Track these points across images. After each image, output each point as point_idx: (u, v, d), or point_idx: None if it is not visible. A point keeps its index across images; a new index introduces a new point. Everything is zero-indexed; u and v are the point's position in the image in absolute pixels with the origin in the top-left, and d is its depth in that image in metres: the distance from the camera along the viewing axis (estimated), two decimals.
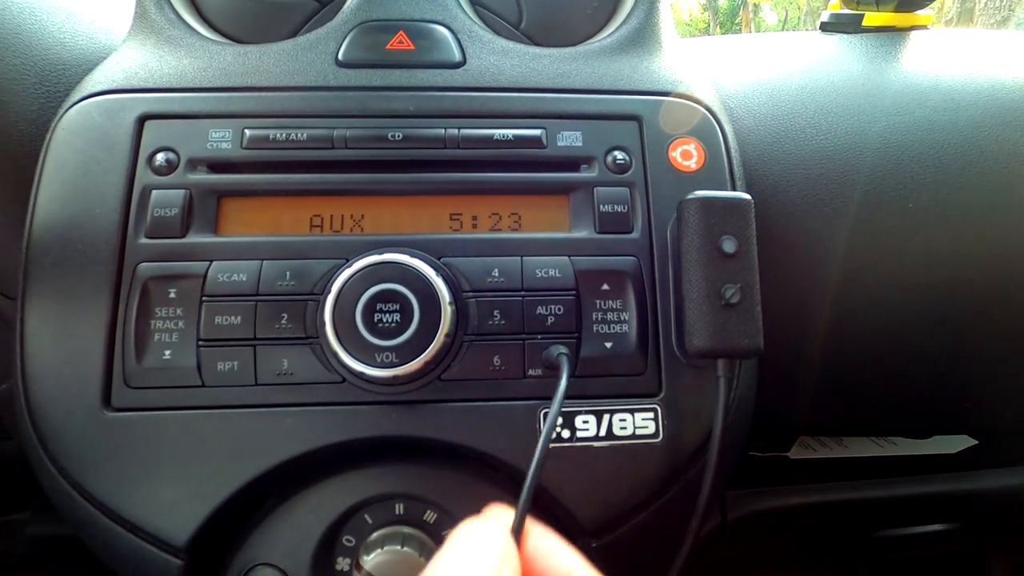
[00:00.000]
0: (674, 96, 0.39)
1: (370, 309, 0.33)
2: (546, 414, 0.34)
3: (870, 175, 0.42)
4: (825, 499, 0.64)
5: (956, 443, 0.61)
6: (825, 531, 0.70)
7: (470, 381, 0.34)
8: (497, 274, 0.35)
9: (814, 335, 0.42)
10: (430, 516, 0.35)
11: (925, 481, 0.65)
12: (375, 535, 0.34)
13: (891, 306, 0.42)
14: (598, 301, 0.35)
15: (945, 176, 0.42)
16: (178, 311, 0.34)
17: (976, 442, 0.60)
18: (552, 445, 0.34)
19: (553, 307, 0.35)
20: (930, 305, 0.42)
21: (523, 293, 0.35)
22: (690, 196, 0.34)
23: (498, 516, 0.21)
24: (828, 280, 0.42)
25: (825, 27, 0.54)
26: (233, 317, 0.33)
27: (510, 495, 0.35)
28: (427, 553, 0.34)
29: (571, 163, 0.38)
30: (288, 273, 0.34)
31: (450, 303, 0.33)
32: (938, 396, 0.47)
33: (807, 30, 0.60)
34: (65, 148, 0.36)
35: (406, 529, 0.35)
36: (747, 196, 0.34)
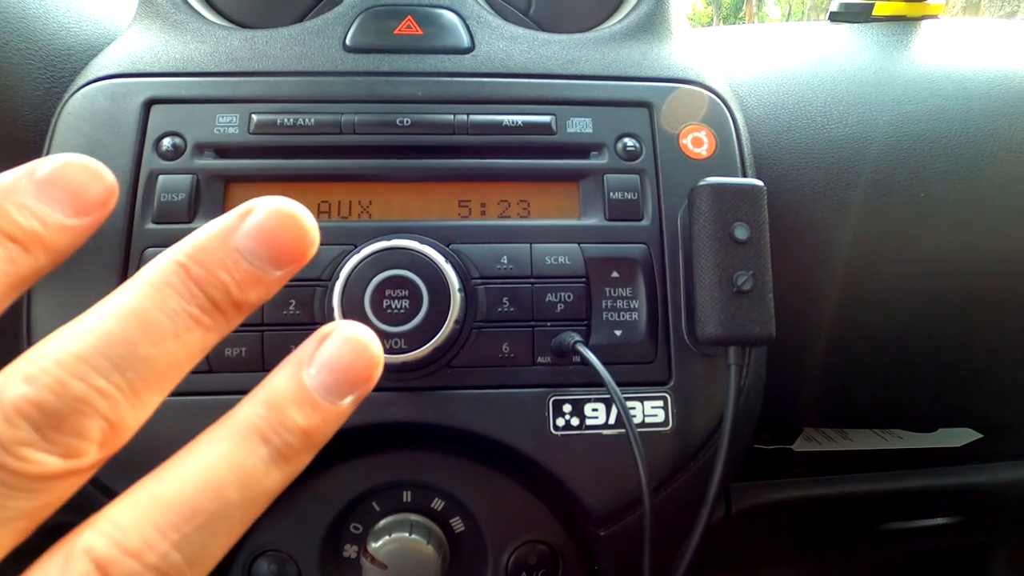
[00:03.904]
0: (685, 83, 0.39)
1: (379, 295, 0.32)
2: (555, 401, 0.34)
3: (881, 164, 0.41)
4: (828, 492, 0.64)
5: (961, 436, 0.61)
6: (828, 524, 0.70)
7: (479, 368, 0.34)
8: (506, 261, 0.35)
9: (821, 324, 0.42)
10: (438, 504, 0.35)
11: (929, 475, 0.64)
12: (383, 522, 0.34)
13: (899, 296, 0.42)
14: (608, 289, 0.35)
15: (956, 166, 0.41)
16: None
17: (981, 436, 0.60)
18: (561, 433, 0.34)
19: (563, 294, 0.34)
20: (938, 296, 0.42)
21: (532, 280, 0.34)
22: (702, 182, 0.34)
23: None
24: (836, 269, 0.41)
25: (834, 17, 0.53)
26: None
27: (519, 482, 0.35)
28: (435, 541, 0.34)
29: (581, 150, 0.37)
30: None
31: (459, 290, 0.33)
32: (944, 388, 0.47)
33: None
34: (71, 133, 0.35)
35: (413, 517, 0.34)
36: (759, 183, 0.33)
